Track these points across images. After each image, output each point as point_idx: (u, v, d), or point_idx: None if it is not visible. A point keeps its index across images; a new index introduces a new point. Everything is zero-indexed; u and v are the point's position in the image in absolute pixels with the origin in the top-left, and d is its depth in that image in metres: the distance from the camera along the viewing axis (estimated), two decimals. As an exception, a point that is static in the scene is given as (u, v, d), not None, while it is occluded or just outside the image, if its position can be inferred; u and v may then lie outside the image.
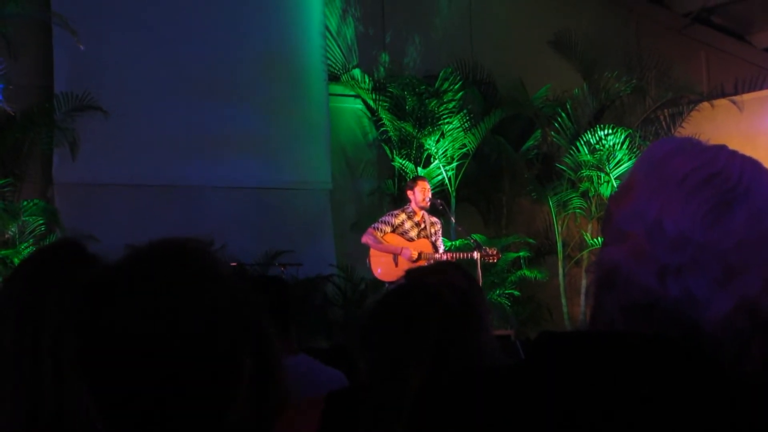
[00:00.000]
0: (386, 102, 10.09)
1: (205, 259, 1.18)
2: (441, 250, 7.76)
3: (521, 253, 10.15)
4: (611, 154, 9.90)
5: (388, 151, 10.24)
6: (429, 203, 7.70)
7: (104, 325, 1.11)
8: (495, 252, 7.83)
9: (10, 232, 7.82)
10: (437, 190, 9.53)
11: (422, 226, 7.72)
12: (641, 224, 0.98)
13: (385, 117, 10.10)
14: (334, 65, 10.21)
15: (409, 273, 2.31)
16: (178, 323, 1.11)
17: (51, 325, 1.80)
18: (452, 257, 7.73)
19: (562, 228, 10.37)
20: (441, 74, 10.20)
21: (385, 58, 10.54)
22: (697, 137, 1.06)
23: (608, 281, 0.99)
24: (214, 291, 1.15)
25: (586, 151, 10.00)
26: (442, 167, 10.01)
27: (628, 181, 1.03)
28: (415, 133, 10.00)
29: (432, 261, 7.51)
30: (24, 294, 1.92)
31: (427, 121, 10.01)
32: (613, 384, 0.93)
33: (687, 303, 0.95)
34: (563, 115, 10.26)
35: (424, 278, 2.21)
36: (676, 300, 0.95)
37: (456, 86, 10.11)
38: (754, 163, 1.01)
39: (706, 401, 0.91)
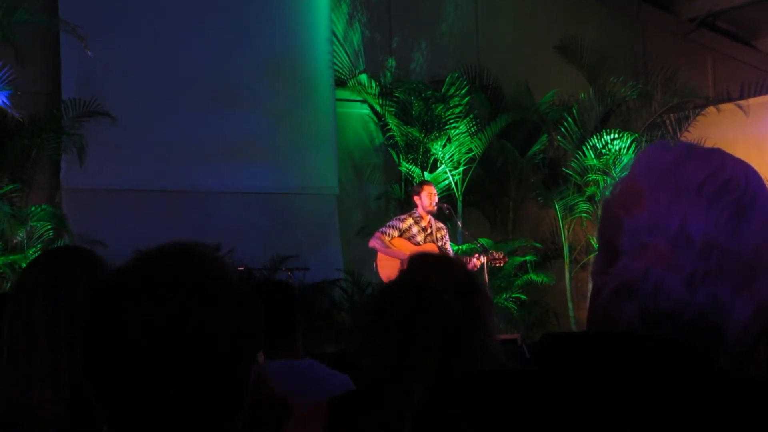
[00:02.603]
0: (393, 107, 10.09)
1: (211, 263, 1.19)
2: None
3: (528, 258, 10.14)
4: (617, 159, 9.89)
5: (394, 156, 10.23)
6: (435, 207, 7.70)
7: (109, 328, 1.12)
8: (501, 256, 7.83)
9: (18, 238, 7.84)
10: (444, 194, 9.52)
11: (429, 231, 7.72)
12: (662, 234, 0.98)
13: (391, 122, 10.10)
14: (340, 70, 10.21)
15: (412, 262, 2.27)
16: (182, 327, 1.11)
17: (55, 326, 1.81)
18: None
19: (568, 232, 10.36)
20: (447, 79, 10.19)
21: (391, 63, 10.55)
22: (703, 142, 1.08)
23: (628, 290, 0.99)
24: (219, 295, 1.16)
25: (593, 156, 9.99)
26: (448, 172, 10.01)
27: (634, 186, 1.03)
28: (421, 138, 10.00)
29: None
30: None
31: (434, 126, 10.00)
32: (615, 386, 0.93)
33: (713, 309, 0.97)
34: (569, 119, 10.25)
35: (425, 276, 2.19)
36: (702, 306, 0.96)
37: (462, 91, 10.10)
38: (752, 168, 1.03)
39: (708, 404, 0.92)
